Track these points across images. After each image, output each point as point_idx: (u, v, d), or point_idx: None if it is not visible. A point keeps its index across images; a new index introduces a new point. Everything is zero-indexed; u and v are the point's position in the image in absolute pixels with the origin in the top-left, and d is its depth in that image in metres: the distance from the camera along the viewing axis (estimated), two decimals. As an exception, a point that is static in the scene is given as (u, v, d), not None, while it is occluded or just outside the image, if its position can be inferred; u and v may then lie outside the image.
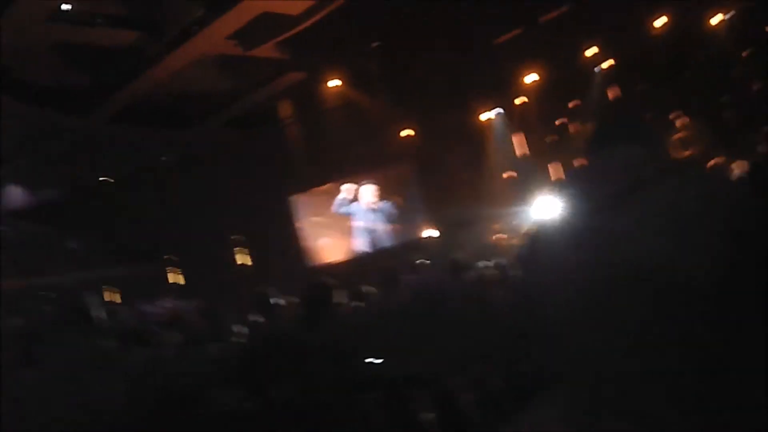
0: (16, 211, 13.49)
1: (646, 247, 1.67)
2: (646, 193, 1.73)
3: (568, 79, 11.38)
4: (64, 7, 9.12)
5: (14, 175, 13.24)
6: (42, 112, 11.01)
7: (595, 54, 11.16)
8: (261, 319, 5.46)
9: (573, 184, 1.95)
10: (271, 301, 5.66)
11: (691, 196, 1.69)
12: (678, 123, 10.28)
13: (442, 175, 12.05)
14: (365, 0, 9.69)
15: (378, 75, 11.78)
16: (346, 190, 12.45)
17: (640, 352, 1.64)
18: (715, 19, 10.54)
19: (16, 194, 13.85)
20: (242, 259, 12.99)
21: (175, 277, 12.93)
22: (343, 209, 12.43)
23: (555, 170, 11.39)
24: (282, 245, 12.49)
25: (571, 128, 11.48)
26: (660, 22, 10.57)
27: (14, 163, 12.50)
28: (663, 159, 1.86)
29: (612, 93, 11.24)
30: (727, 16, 10.45)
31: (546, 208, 9.99)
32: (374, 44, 11.39)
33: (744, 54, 10.42)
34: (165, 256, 13.10)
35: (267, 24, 10.15)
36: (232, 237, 13.00)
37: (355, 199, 12.45)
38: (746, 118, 10.15)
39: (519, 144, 12.26)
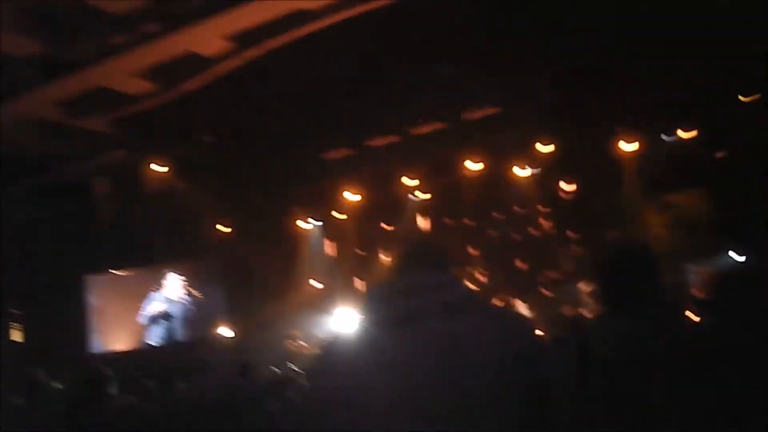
0: None
1: (421, 372, 1.88)
2: (425, 322, 1.92)
3: (386, 202, 11.99)
4: None
5: None
6: None
7: (415, 185, 11.74)
8: (24, 402, 5.05)
9: (371, 300, 2.12)
10: (40, 384, 5.25)
11: (469, 329, 1.90)
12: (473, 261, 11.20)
13: (250, 276, 12.06)
14: (202, 94, 9.81)
15: (204, 168, 11.76)
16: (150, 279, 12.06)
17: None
18: (525, 173, 11.11)
19: None
20: (16, 335, 11.85)
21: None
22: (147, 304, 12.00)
23: (359, 286, 11.79)
24: (68, 326, 11.63)
25: (382, 249, 12.05)
26: (476, 166, 11.10)
27: None
28: (451, 291, 2.02)
29: (424, 223, 11.99)
30: (534, 172, 11.10)
31: (345, 319, 10.30)
32: (205, 138, 11.44)
33: (539, 208, 11.52)
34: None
35: (102, 98, 9.92)
36: (9, 311, 11.87)
37: (158, 287, 12.07)
38: (534, 262, 11.21)
39: (331, 257, 12.61)
